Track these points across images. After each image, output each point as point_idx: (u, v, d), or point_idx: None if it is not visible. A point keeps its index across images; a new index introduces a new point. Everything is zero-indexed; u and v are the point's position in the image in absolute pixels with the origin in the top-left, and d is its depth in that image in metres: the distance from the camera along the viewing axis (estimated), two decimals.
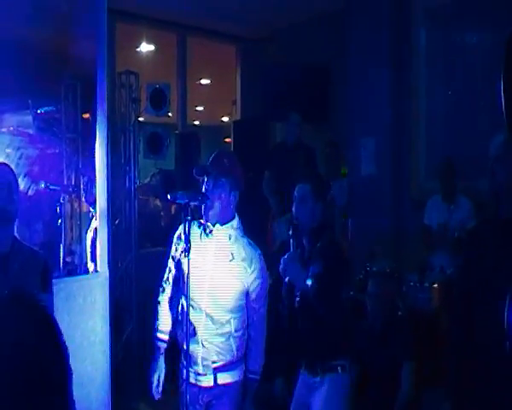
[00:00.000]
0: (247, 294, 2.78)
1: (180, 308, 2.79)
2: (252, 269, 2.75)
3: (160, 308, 2.91)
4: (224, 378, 2.77)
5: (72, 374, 1.18)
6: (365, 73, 6.06)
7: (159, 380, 2.86)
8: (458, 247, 4.40)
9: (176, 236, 2.90)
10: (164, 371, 2.88)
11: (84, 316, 3.43)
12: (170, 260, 2.92)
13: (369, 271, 4.38)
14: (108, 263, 3.78)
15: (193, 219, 2.72)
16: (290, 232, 2.97)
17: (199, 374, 2.76)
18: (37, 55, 4.25)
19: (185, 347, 2.66)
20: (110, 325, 3.67)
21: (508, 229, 2.26)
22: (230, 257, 2.74)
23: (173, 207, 6.44)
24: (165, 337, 2.89)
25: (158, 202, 6.82)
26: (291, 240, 2.96)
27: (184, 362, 2.73)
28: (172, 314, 2.89)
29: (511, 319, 1.94)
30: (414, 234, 5.17)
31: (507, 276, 2.08)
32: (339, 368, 3.00)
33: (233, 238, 2.77)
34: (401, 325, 3.94)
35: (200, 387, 2.78)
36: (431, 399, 3.85)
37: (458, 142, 5.43)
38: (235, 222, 2.79)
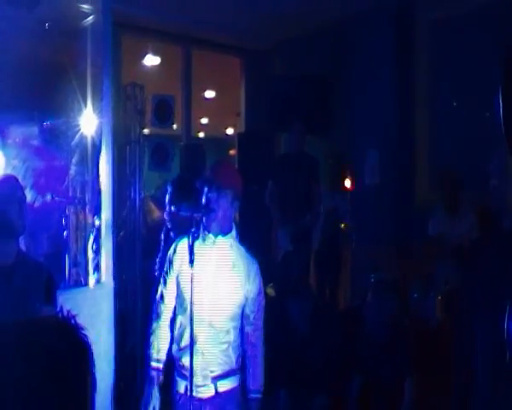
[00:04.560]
0: (245, 303, 2.78)
1: (179, 324, 2.78)
2: (251, 278, 2.77)
3: (155, 336, 2.81)
4: (225, 386, 2.74)
5: (95, 406, 1.13)
6: (369, 85, 6.09)
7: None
8: (461, 259, 4.40)
9: (169, 254, 2.83)
10: (159, 401, 2.77)
11: (89, 327, 3.43)
12: (169, 283, 2.82)
13: (372, 282, 4.39)
14: (113, 275, 3.80)
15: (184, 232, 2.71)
16: None
17: (198, 386, 2.69)
18: (43, 67, 4.29)
19: (182, 361, 2.68)
20: (115, 337, 3.68)
21: (511, 241, 2.26)
22: (231, 265, 2.76)
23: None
24: (161, 366, 2.79)
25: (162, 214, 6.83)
26: None
27: (178, 377, 2.75)
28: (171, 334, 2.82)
29: (511, 329, 1.96)
30: (418, 245, 5.17)
31: (508, 287, 2.09)
32: None
33: (234, 247, 2.79)
34: (405, 337, 3.94)
35: (201, 399, 2.72)
36: None
37: (462, 152, 5.45)
38: (234, 232, 2.82)
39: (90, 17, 3.97)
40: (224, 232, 2.77)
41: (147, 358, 2.82)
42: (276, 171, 5.88)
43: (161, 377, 2.79)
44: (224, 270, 2.75)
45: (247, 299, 2.77)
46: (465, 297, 2.53)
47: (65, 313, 1.18)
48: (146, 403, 2.77)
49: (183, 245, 2.74)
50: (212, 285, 2.73)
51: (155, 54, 7.73)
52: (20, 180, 2.73)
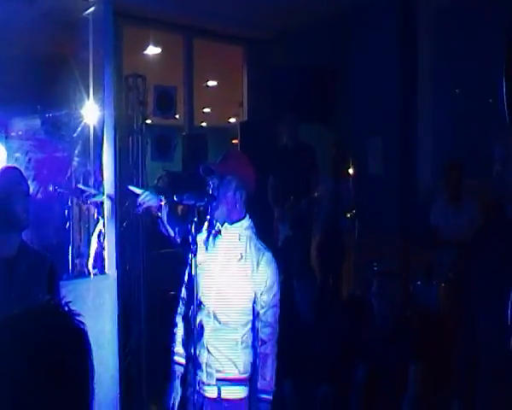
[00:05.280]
0: (255, 298, 2.66)
1: (190, 314, 2.68)
2: (261, 270, 2.64)
3: (177, 329, 2.79)
4: (228, 393, 2.65)
5: (94, 393, 1.14)
6: (372, 73, 6.07)
7: (174, 403, 2.73)
8: (465, 247, 4.40)
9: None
10: (180, 393, 2.72)
11: (93, 318, 3.45)
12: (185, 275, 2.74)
13: (375, 271, 4.40)
14: (116, 265, 3.81)
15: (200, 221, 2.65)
16: None
17: (203, 383, 2.65)
18: (44, 60, 4.29)
19: (192, 351, 2.59)
20: (118, 327, 3.69)
21: None
22: (239, 257, 2.66)
23: (180, 209, 6.45)
24: (183, 361, 2.73)
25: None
26: None
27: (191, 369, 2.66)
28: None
29: None
30: (421, 234, 5.16)
31: (511, 274, 2.09)
32: None
33: (243, 238, 2.69)
34: (409, 325, 3.95)
35: (204, 397, 2.66)
36: (440, 398, 3.85)
37: (465, 141, 5.43)
38: (245, 222, 2.71)
39: (91, 8, 3.95)
40: (231, 221, 2.69)
41: (171, 352, 2.78)
42: (275, 164, 5.88)
43: (181, 372, 2.74)
44: (232, 261, 2.67)
45: (256, 294, 2.65)
46: (468, 285, 2.52)
47: (58, 300, 1.18)
48: (169, 395, 2.75)
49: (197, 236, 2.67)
50: (219, 276, 2.66)
51: (157, 44, 7.70)
52: (23, 172, 2.73)
